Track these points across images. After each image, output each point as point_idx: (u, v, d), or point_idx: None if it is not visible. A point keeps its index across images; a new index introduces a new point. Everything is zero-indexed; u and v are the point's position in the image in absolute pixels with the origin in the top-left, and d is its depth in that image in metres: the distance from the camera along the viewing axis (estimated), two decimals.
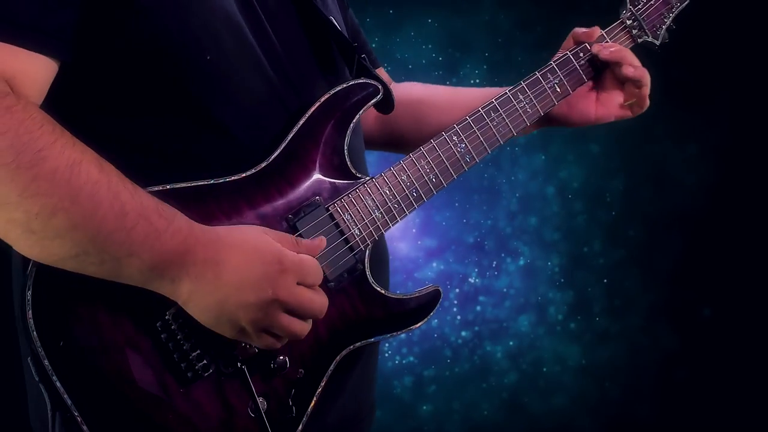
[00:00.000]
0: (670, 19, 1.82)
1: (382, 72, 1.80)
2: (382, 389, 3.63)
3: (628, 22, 1.73)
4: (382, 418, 3.64)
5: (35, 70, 1.20)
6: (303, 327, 1.27)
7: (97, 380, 1.21)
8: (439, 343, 3.83)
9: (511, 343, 3.87)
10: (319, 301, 1.28)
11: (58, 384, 1.19)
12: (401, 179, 1.46)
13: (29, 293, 1.19)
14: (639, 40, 1.74)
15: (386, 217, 1.43)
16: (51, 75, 1.23)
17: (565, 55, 1.64)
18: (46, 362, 1.19)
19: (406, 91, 1.77)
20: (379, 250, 1.51)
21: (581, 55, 1.65)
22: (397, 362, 3.81)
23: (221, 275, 1.21)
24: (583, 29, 1.67)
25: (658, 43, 1.79)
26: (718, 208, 3.77)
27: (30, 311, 1.19)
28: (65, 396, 1.19)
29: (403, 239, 3.76)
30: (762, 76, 3.72)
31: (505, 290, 3.89)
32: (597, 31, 1.66)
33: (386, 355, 3.76)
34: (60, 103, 1.25)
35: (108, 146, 1.23)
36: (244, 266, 1.22)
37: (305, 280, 1.26)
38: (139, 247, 1.17)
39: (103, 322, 1.21)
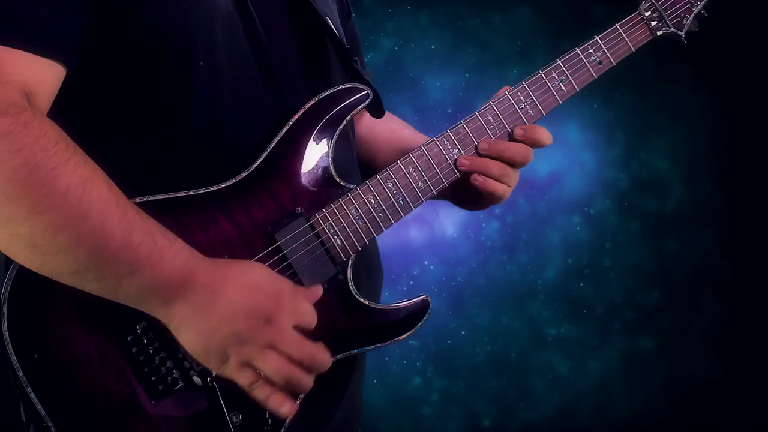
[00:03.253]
0: (700, 6, 1.71)
1: None
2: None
3: (647, 13, 1.63)
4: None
5: (48, 77, 1.21)
6: (286, 368, 1.22)
7: (70, 392, 1.23)
8: (436, 347, 3.82)
9: (512, 347, 3.85)
10: (309, 348, 1.25)
11: (32, 395, 1.22)
12: (387, 187, 1.42)
13: (4, 307, 1.22)
14: (658, 33, 1.64)
15: (370, 227, 1.40)
16: (60, 82, 1.24)
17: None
18: (21, 374, 1.22)
19: (368, 122, 1.70)
20: (368, 259, 1.48)
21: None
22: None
23: (216, 303, 1.20)
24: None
25: (682, 34, 1.68)
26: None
27: (5, 324, 1.22)
28: (39, 407, 1.22)
29: (402, 240, 3.74)
30: None
31: (508, 291, 3.87)
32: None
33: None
34: (56, 108, 1.26)
35: (92, 154, 1.24)
36: (240, 298, 1.21)
37: (300, 323, 1.25)
38: (142, 264, 1.17)
39: (77, 335, 1.23)
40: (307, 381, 1.25)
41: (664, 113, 3.79)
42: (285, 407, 1.24)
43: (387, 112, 1.73)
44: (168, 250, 1.19)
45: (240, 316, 1.20)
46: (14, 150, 1.12)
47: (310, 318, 1.27)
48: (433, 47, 3.77)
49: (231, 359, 1.21)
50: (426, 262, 3.78)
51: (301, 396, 1.29)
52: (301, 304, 1.26)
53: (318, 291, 1.31)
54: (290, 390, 1.24)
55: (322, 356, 1.26)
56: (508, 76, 3.67)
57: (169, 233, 1.21)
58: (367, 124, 1.69)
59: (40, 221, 1.13)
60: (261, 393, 1.23)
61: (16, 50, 1.17)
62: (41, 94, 1.20)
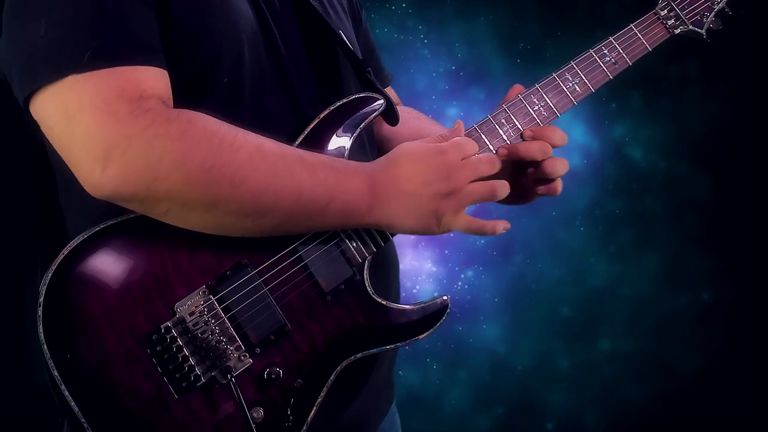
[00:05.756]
0: (722, 3, 1.71)
1: (390, 91, 1.82)
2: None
3: (662, 12, 1.65)
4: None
5: (167, 84, 1.31)
6: (487, 185, 1.41)
7: (101, 389, 1.30)
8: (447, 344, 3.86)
9: (527, 343, 3.89)
10: (485, 158, 1.42)
11: (66, 393, 1.29)
12: None
13: (40, 310, 1.30)
14: (675, 32, 1.65)
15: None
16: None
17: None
18: (55, 372, 1.29)
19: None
20: (385, 258, 1.52)
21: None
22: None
23: (405, 187, 1.36)
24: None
25: (703, 32, 1.69)
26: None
27: (41, 326, 1.30)
28: (72, 403, 1.29)
29: (410, 245, 3.79)
30: None
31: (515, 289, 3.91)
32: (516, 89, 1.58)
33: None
34: None
35: None
36: (417, 170, 1.37)
37: (466, 154, 1.40)
38: (335, 192, 1.33)
39: (106, 335, 1.30)
40: (505, 184, 1.42)
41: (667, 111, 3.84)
42: (507, 225, 1.43)
43: (414, 110, 1.79)
44: (347, 171, 1.35)
45: (431, 181, 1.37)
46: (195, 144, 1.23)
47: (471, 145, 1.42)
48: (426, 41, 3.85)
49: (445, 216, 1.38)
50: (429, 264, 3.83)
51: None
52: (458, 141, 1.42)
53: (460, 125, 1.47)
54: (497, 198, 1.42)
55: (497, 159, 1.44)
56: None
57: (336, 157, 1.39)
58: (392, 127, 1.75)
59: (243, 193, 1.26)
60: (486, 226, 1.41)
61: (144, 67, 1.26)
62: (169, 100, 1.30)
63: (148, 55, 1.28)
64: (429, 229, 1.39)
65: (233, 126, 1.30)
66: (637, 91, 3.83)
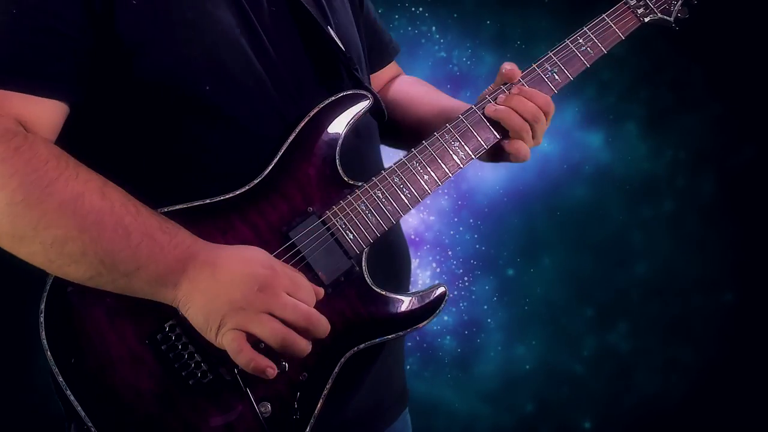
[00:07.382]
0: None
1: (393, 66, 1.87)
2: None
3: (633, 2, 1.70)
4: None
5: (47, 113, 1.32)
6: (281, 330, 1.27)
7: (107, 392, 1.30)
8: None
9: (534, 342, 3.91)
10: (304, 310, 1.29)
11: (71, 398, 1.28)
12: (393, 181, 1.48)
13: (42, 317, 1.30)
14: (645, 20, 1.71)
15: (380, 220, 1.46)
16: (62, 115, 1.35)
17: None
18: (60, 378, 1.29)
19: (403, 88, 1.80)
20: (390, 249, 1.54)
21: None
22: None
23: (215, 274, 1.28)
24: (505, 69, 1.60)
25: (671, 19, 1.75)
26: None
27: (43, 332, 1.30)
28: (79, 408, 1.28)
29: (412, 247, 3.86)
30: None
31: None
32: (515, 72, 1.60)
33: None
34: (74, 137, 1.36)
35: (116, 175, 1.33)
36: (236, 268, 1.29)
37: (295, 294, 1.30)
38: (145, 261, 1.27)
39: (109, 338, 1.31)
40: (303, 344, 1.29)
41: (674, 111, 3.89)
42: (268, 371, 1.27)
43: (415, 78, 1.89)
44: (167, 244, 1.28)
45: (236, 285, 1.27)
46: (9, 174, 1.24)
47: (306, 291, 1.31)
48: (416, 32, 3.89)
49: (225, 326, 1.26)
50: (433, 265, 3.88)
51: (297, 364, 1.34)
52: (297, 277, 1.32)
53: (320, 291, 1.35)
54: (288, 353, 1.28)
55: (318, 319, 1.30)
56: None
57: (172, 227, 1.30)
58: (403, 90, 1.79)
59: (47, 237, 1.25)
60: (243, 358, 1.26)
61: (12, 92, 1.28)
62: (41, 126, 1.31)
63: (32, 83, 1.30)
64: (208, 330, 1.28)
65: (70, 164, 1.28)
66: (638, 92, 3.86)
